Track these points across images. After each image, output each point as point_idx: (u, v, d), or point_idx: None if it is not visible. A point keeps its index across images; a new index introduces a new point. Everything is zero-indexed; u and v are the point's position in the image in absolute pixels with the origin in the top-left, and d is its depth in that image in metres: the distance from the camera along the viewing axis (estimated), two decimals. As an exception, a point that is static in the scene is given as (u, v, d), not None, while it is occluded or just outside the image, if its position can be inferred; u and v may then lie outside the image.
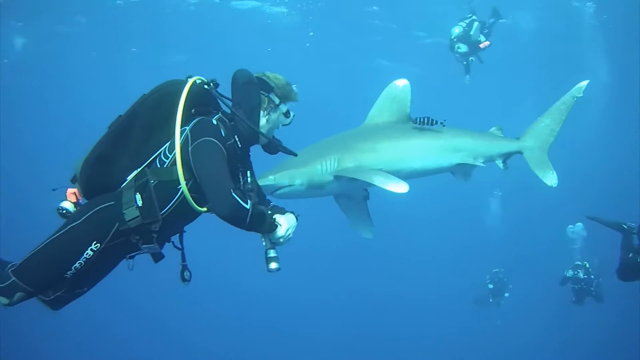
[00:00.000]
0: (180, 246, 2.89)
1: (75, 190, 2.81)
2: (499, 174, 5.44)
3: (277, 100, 2.80)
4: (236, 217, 2.49)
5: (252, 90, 2.72)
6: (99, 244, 2.61)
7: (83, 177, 2.70)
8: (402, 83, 4.79)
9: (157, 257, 2.82)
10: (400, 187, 4.02)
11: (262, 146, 2.86)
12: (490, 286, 11.97)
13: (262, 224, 2.60)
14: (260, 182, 4.30)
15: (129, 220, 2.59)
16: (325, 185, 4.47)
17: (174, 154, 2.58)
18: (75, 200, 2.80)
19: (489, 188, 16.89)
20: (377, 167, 4.40)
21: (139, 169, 2.71)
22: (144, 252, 2.77)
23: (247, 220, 2.50)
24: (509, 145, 5.17)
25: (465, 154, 4.88)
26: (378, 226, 5.13)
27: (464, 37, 8.95)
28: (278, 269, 2.63)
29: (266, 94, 2.77)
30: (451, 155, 4.88)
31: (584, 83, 5.10)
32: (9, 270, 2.66)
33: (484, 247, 15.81)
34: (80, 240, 2.61)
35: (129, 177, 2.71)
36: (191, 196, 2.55)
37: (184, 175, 2.52)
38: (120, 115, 2.72)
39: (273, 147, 2.82)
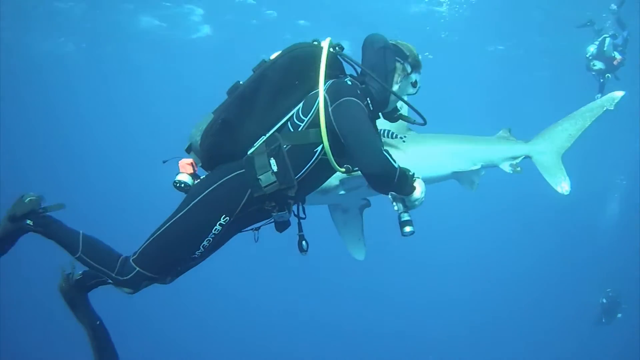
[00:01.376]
0: (303, 214, 2.80)
1: (190, 161, 2.71)
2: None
3: (409, 69, 2.75)
4: (386, 176, 2.46)
5: (388, 55, 2.68)
6: (228, 217, 2.53)
7: (205, 145, 2.58)
8: None
9: (282, 226, 2.73)
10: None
11: (383, 113, 2.79)
12: (604, 300, 11.76)
13: (407, 184, 2.56)
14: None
15: (266, 186, 2.49)
16: (330, 191, 4.45)
17: (310, 116, 2.53)
18: (192, 172, 2.69)
19: (610, 174, 15.92)
20: None
21: (267, 134, 2.60)
22: (271, 222, 2.69)
23: (396, 179, 2.47)
24: (515, 149, 5.00)
25: (462, 161, 4.81)
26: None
27: (599, 55, 9.13)
28: (413, 232, 2.58)
29: (401, 61, 2.73)
30: (447, 163, 4.80)
31: (619, 94, 4.74)
32: (131, 261, 2.61)
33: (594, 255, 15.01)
34: (208, 216, 2.53)
35: (257, 143, 2.60)
36: (324, 158, 2.52)
37: (319, 137, 2.48)
38: (239, 81, 2.65)
39: (396, 114, 2.80)
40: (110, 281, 2.68)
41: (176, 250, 2.58)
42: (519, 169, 4.90)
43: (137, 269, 2.59)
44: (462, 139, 5.08)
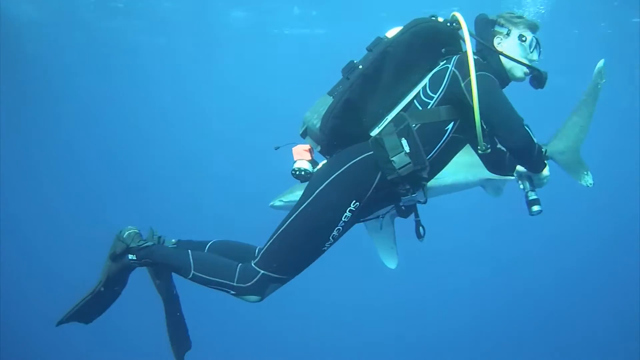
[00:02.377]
0: (423, 199, 2.61)
1: (308, 146, 2.59)
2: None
3: (524, 34, 2.58)
4: (528, 149, 2.40)
5: (498, 27, 2.61)
6: (358, 203, 2.40)
7: (327, 127, 2.46)
8: None
9: (407, 211, 2.62)
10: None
11: (530, 81, 2.65)
12: None
13: (542, 160, 2.53)
14: (289, 197, 4.58)
15: (400, 168, 2.35)
16: None
17: (440, 93, 2.43)
18: (309, 159, 2.58)
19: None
20: None
21: (393, 114, 2.50)
22: (401, 205, 2.57)
23: (535, 153, 2.42)
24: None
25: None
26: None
27: None
28: (540, 211, 2.57)
29: (512, 30, 2.60)
30: (481, 170, 4.74)
31: (600, 63, 4.68)
32: (253, 265, 2.50)
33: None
34: (336, 203, 2.40)
35: (382, 124, 2.49)
36: (455, 137, 2.45)
37: (450, 115, 2.41)
38: (353, 61, 2.52)
39: (541, 78, 2.60)
40: (232, 292, 2.55)
41: (304, 244, 2.45)
42: None
43: (262, 271, 2.46)
44: None
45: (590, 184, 4.74)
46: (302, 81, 16.59)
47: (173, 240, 2.87)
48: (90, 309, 2.86)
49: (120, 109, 18.17)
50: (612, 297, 13.36)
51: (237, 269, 2.52)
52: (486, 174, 4.70)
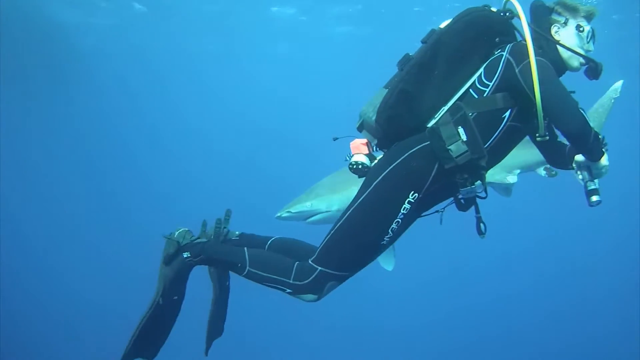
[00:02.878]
0: (484, 193, 2.54)
1: (365, 140, 2.59)
2: None
3: (579, 23, 2.53)
4: (584, 133, 2.34)
5: (554, 16, 2.57)
6: (417, 194, 2.39)
7: (382, 119, 2.44)
8: None
9: (467, 204, 2.57)
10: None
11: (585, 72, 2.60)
12: None
13: (599, 146, 2.46)
14: (297, 208, 4.47)
15: (458, 156, 2.32)
16: None
17: (495, 80, 2.40)
18: (367, 152, 2.57)
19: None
20: None
21: (448, 104, 2.47)
22: (460, 198, 2.53)
23: (591, 139, 2.37)
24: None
25: (498, 170, 4.62)
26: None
27: None
28: (600, 202, 2.54)
29: (566, 19, 2.56)
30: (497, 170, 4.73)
31: (619, 84, 5.05)
32: (310, 262, 2.48)
33: None
34: (395, 194, 2.39)
35: (438, 115, 2.46)
36: (512, 125, 2.41)
37: (506, 102, 2.39)
38: (408, 53, 2.51)
39: (596, 69, 2.53)
40: (288, 291, 2.53)
41: (363, 238, 2.43)
42: (554, 172, 4.81)
43: (319, 268, 2.45)
44: None
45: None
46: (345, 78, 16.69)
47: (237, 232, 2.87)
48: (151, 332, 2.80)
49: (173, 106, 18.81)
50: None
51: (294, 267, 2.50)
52: (497, 177, 4.73)
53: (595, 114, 5.02)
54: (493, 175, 4.64)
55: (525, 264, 15.50)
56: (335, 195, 4.41)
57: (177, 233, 2.75)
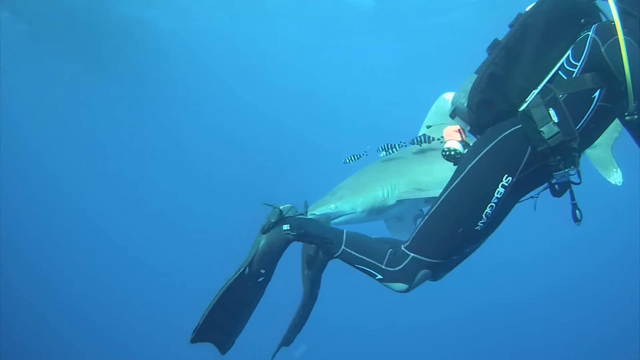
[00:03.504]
0: (578, 179, 2.50)
1: (457, 127, 2.60)
2: None
3: None
4: None
5: None
6: (510, 177, 2.35)
7: (473, 104, 2.44)
8: (450, 97, 4.73)
9: (562, 189, 2.51)
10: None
11: None
12: None
13: None
14: (321, 209, 4.38)
15: (549, 138, 2.30)
16: (386, 210, 4.43)
17: (582, 60, 2.35)
18: (460, 139, 2.58)
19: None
20: (435, 188, 4.29)
21: (539, 86, 2.44)
22: (555, 183, 2.47)
23: None
24: None
25: None
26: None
27: None
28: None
29: None
30: None
31: None
32: (403, 248, 2.45)
33: None
34: (489, 177, 2.36)
35: (529, 97, 2.43)
36: (603, 105, 2.35)
37: (595, 82, 2.32)
38: (497, 39, 2.50)
39: None
40: (378, 277, 2.49)
41: (457, 223, 2.38)
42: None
43: (412, 254, 2.41)
44: None
45: (619, 182, 4.70)
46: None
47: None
48: (228, 308, 2.76)
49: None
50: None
51: (388, 252, 2.48)
52: None
53: None
54: None
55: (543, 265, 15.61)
56: (360, 197, 4.38)
57: (281, 206, 2.77)
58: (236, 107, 19.53)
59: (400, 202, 4.41)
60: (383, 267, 2.46)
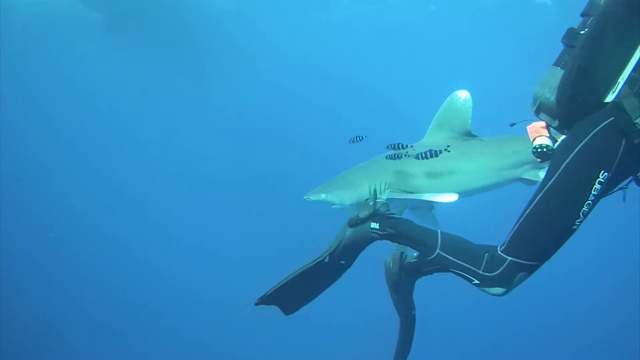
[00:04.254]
0: None
1: (543, 123, 2.55)
2: None
3: None
4: None
5: None
6: (606, 173, 2.28)
7: (563, 98, 2.36)
8: (463, 95, 4.58)
9: None
10: (449, 197, 4.04)
11: None
12: None
13: None
14: (314, 197, 4.46)
15: None
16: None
17: None
18: (548, 135, 2.52)
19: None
20: (432, 192, 4.31)
21: (624, 76, 2.34)
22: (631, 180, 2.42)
23: None
24: None
25: (530, 166, 4.52)
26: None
27: None
28: None
29: None
30: (513, 171, 4.56)
31: None
32: (500, 252, 2.41)
33: None
34: (585, 175, 2.28)
35: (616, 87, 2.34)
36: None
37: None
38: (573, 28, 2.45)
39: None
40: (475, 282, 2.47)
41: (555, 223, 2.33)
42: None
43: (509, 258, 2.37)
44: (526, 139, 4.77)
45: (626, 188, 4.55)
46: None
47: (414, 254, 2.83)
48: (301, 286, 2.74)
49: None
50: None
51: (485, 256, 2.44)
52: (518, 174, 4.53)
53: None
54: (527, 171, 4.50)
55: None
56: (348, 191, 4.41)
57: (372, 201, 2.73)
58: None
59: (389, 200, 4.32)
60: (480, 272, 2.42)
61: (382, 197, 4.31)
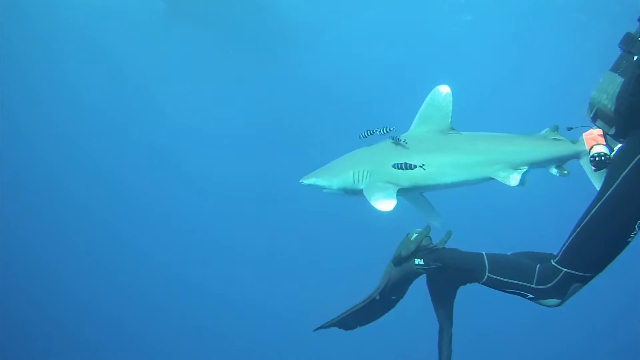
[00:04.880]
0: None
1: (599, 131, 2.51)
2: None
3: None
4: None
5: None
6: None
7: (622, 106, 2.30)
8: (444, 90, 4.68)
9: None
10: (384, 205, 4.07)
11: None
12: None
13: None
14: (305, 181, 4.65)
15: None
16: (359, 194, 4.45)
17: None
18: (605, 143, 2.47)
19: None
20: (408, 183, 4.42)
21: None
22: None
23: None
24: (561, 150, 4.57)
25: (503, 166, 4.51)
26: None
27: None
28: None
29: None
30: (484, 169, 4.56)
31: None
32: (553, 263, 2.41)
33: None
34: None
35: None
36: None
37: None
38: (629, 32, 2.40)
39: None
40: (529, 296, 2.48)
41: (610, 234, 2.31)
42: (566, 171, 4.56)
43: (564, 270, 2.38)
44: (503, 139, 4.74)
45: None
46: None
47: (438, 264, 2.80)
48: (357, 318, 2.85)
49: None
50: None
51: (537, 270, 2.44)
52: (488, 173, 4.53)
53: None
54: (497, 171, 4.53)
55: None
56: (334, 178, 4.58)
57: (414, 236, 2.74)
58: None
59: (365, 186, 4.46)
60: (534, 286, 2.41)
61: (360, 185, 4.41)
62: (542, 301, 2.43)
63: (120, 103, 18.17)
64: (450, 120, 4.68)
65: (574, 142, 4.63)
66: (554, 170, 4.62)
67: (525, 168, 4.58)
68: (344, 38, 16.44)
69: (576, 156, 4.59)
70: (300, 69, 17.33)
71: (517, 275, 2.46)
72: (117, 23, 15.08)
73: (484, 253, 2.59)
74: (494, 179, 4.54)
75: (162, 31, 15.31)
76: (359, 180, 4.50)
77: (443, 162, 4.55)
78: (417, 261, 2.65)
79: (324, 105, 18.14)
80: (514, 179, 4.45)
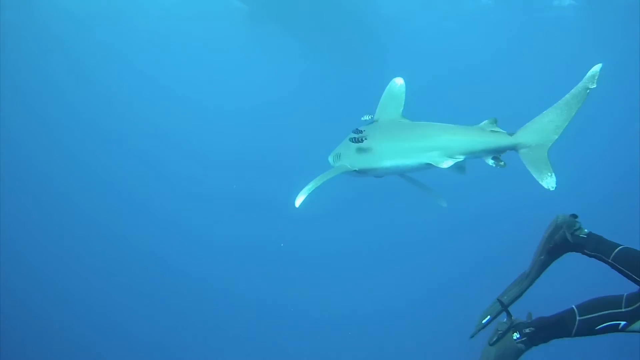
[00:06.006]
0: None
1: None
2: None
3: None
4: None
5: None
6: None
7: None
8: (399, 81, 5.19)
9: None
10: (297, 200, 4.46)
11: None
12: None
13: None
14: (330, 159, 5.21)
15: None
16: (361, 174, 4.99)
17: None
18: None
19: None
20: (356, 166, 4.87)
21: None
22: None
23: None
24: (497, 141, 4.68)
25: (439, 153, 4.69)
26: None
27: None
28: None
29: None
30: (421, 155, 4.76)
31: (596, 68, 4.34)
32: None
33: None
34: None
35: None
36: None
37: None
38: None
39: None
40: (623, 324, 2.49)
41: None
42: (502, 163, 4.66)
43: None
44: (441, 128, 4.88)
45: (553, 187, 4.42)
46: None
47: (585, 231, 2.95)
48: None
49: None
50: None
51: (624, 297, 2.49)
52: (425, 159, 4.71)
53: (565, 106, 4.50)
54: (433, 156, 4.71)
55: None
56: (333, 157, 5.18)
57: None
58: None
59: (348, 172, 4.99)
60: (623, 310, 2.44)
61: (344, 168, 4.86)
62: (634, 327, 2.43)
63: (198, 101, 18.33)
64: (402, 109, 5.08)
65: (511, 134, 4.71)
66: (490, 161, 4.72)
67: (462, 157, 4.71)
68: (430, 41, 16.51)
69: (513, 148, 4.68)
70: (386, 71, 17.44)
71: (606, 306, 2.47)
72: (199, 22, 15.47)
73: (573, 306, 2.63)
74: (432, 165, 4.72)
75: (243, 33, 15.54)
76: (333, 161, 5.14)
77: (384, 148, 4.89)
78: (514, 336, 2.67)
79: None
80: (446, 164, 4.65)
